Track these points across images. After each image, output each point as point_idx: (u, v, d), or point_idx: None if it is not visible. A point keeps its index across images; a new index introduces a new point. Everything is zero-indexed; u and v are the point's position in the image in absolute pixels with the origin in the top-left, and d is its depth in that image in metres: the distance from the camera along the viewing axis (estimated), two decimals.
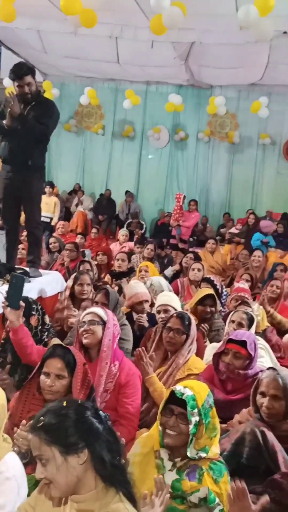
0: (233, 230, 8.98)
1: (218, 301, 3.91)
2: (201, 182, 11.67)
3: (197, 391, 1.85)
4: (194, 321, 3.09)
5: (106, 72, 10.44)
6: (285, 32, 7.15)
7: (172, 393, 1.87)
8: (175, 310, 3.30)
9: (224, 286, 4.77)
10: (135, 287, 3.94)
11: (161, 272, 5.88)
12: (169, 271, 5.97)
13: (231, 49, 7.83)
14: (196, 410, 1.82)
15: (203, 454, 1.84)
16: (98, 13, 5.67)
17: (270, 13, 5.07)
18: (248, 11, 4.59)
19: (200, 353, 3.33)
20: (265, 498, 1.76)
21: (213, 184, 11.62)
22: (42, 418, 1.44)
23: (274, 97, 10.54)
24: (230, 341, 2.63)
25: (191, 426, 1.80)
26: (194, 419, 1.80)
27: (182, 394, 1.84)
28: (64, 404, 1.50)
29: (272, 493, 1.76)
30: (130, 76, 10.54)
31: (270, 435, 2.03)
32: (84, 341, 2.66)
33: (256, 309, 3.70)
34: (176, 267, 6.12)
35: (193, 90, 11.08)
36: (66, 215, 10.77)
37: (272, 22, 4.91)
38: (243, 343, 2.60)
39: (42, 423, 1.43)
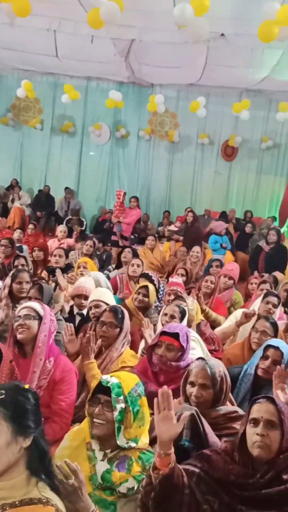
0: (172, 227, 9.10)
1: (155, 295, 3.95)
2: (142, 180, 11.77)
3: (124, 379, 1.86)
4: (127, 315, 3.10)
5: (45, 66, 10.25)
6: (222, 34, 7.37)
7: (100, 383, 1.86)
8: (107, 304, 3.30)
9: (161, 282, 4.82)
10: (83, 281, 3.92)
11: (100, 268, 5.86)
12: None
13: (171, 49, 7.92)
14: (121, 397, 1.82)
15: (133, 444, 1.84)
16: (35, 4, 5.53)
17: (207, 13, 5.17)
18: (184, 9, 4.65)
19: (136, 346, 3.35)
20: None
21: (154, 182, 11.76)
22: (2, 391, 1.45)
23: (213, 98, 10.82)
24: (163, 333, 2.66)
25: (116, 413, 1.80)
26: (120, 406, 1.80)
27: (108, 382, 1.84)
28: (26, 387, 1.54)
29: (200, 464, 1.80)
30: (70, 70, 10.43)
31: (203, 418, 2.09)
32: (19, 336, 2.59)
33: (191, 303, 3.75)
34: None
35: (134, 88, 11.15)
36: (3, 211, 10.47)
37: (208, 23, 5.00)
38: (175, 335, 2.63)
39: (3, 396, 1.44)
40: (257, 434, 1.70)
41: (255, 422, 1.75)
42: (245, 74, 9.31)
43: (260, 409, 1.76)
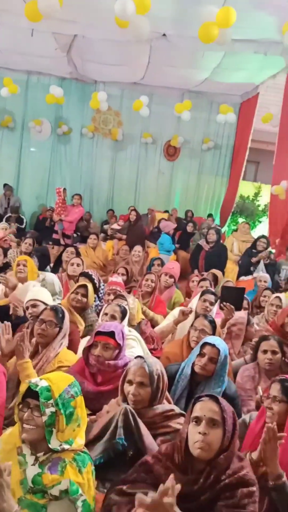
0: (115, 226, 9.08)
1: (93, 295, 3.91)
2: (85, 178, 11.65)
3: (54, 382, 1.81)
4: (68, 315, 3.04)
5: None
6: (164, 35, 7.43)
7: (29, 386, 1.81)
8: (45, 303, 3.22)
9: (102, 281, 4.78)
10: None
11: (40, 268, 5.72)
12: None
13: (114, 46, 7.89)
14: (51, 401, 1.77)
15: (66, 446, 1.80)
16: None
17: (148, 13, 5.18)
18: (125, 6, 4.62)
19: (74, 346, 3.29)
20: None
21: (97, 180, 11.68)
22: None
23: (156, 98, 10.90)
24: (98, 333, 2.63)
25: (45, 418, 1.75)
26: (49, 410, 1.75)
27: (36, 385, 1.79)
28: None
29: (145, 476, 1.78)
30: (10, 63, 10.11)
31: (138, 418, 2.08)
32: None
33: (132, 302, 3.75)
34: None
35: (77, 84, 11.00)
36: None
37: (149, 22, 5.01)
38: (111, 334, 2.61)
39: None
40: (199, 432, 1.71)
41: (198, 420, 1.75)
42: (187, 75, 9.45)
43: (202, 407, 1.77)
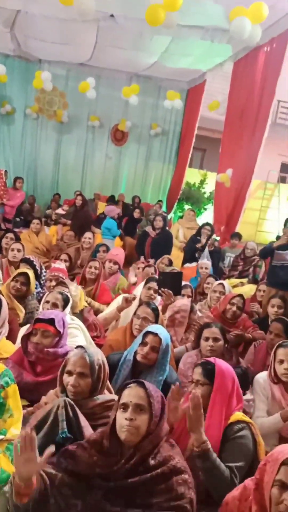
0: (59, 211, 8.87)
1: (34, 282, 3.78)
2: (29, 160, 11.29)
3: None
4: (5, 303, 2.92)
5: None
6: (112, 15, 7.26)
7: None
8: None
9: (44, 267, 4.65)
10: None
11: None
12: None
13: (58, 24, 7.62)
14: None
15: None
16: None
17: None
18: None
19: (13, 336, 3.18)
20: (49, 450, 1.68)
21: (41, 163, 11.36)
22: None
23: (103, 80, 10.70)
24: (38, 320, 2.55)
25: None
26: None
27: None
28: None
29: (64, 463, 1.75)
30: None
31: (77, 409, 2.03)
32: None
33: (74, 290, 3.67)
34: None
35: (21, 63, 10.57)
36: None
37: (96, 1, 4.85)
38: (51, 321, 2.54)
39: None
40: (126, 418, 1.71)
41: (125, 407, 1.75)
42: (135, 58, 9.33)
43: (130, 393, 1.78)
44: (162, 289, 3.75)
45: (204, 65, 9.54)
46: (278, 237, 4.93)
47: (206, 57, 8.84)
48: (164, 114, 11.41)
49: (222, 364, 2.33)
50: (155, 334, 2.62)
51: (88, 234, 6.17)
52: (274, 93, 7.31)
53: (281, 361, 2.84)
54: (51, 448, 1.62)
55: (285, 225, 4.84)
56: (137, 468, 1.67)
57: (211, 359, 2.36)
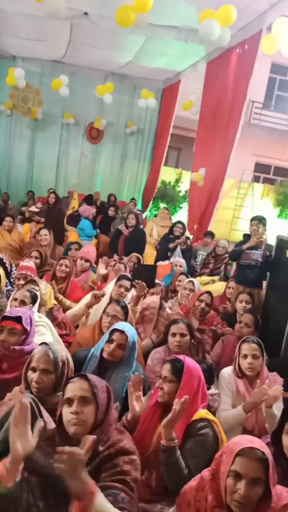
0: (33, 208, 8.82)
1: (5, 280, 3.78)
2: (2, 157, 11.17)
3: None
4: None
5: None
6: (86, 13, 7.24)
7: None
8: None
9: (15, 265, 4.63)
10: None
11: None
12: None
13: (32, 20, 7.55)
14: None
15: None
16: None
17: None
18: None
19: None
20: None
21: (15, 160, 11.25)
22: None
23: (78, 78, 10.67)
24: (5, 318, 2.56)
25: None
26: None
27: None
28: None
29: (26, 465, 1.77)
30: None
31: (41, 406, 2.05)
32: None
33: (44, 288, 3.68)
34: None
35: None
36: None
37: None
38: (18, 319, 2.55)
39: None
40: (71, 412, 1.73)
41: (69, 401, 1.77)
42: (109, 56, 9.33)
43: (73, 387, 1.79)
44: (136, 280, 3.81)
45: (178, 65, 9.60)
46: (245, 235, 5.03)
47: (181, 57, 8.91)
48: (139, 112, 11.45)
49: (190, 362, 2.38)
50: (122, 332, 2.66)
51: (43, 231, 5.93)
52: (246, 94, 7.42)
53: (245, 356, 2.93)
54: (40, 423, 1.62)
55: (250, 222, 4.95)
56: (93, 459, 1.69)
57: (181, 357, 2.41)
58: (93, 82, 10.41)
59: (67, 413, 1.75)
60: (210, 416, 2.33)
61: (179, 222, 7.09)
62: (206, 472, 1.79)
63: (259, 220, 4.88)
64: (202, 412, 2.30)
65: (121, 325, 2.75)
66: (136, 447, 2.20)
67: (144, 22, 4.71)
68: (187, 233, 8.56)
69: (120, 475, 1.65)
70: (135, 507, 1.61)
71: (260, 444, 1.68)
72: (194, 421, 2.23)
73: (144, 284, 3.86)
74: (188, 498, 1.76)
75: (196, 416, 2.26)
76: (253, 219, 4.99)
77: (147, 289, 3.93)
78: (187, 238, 7.19)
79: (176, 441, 2.04)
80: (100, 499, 1.46)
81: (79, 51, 9.15)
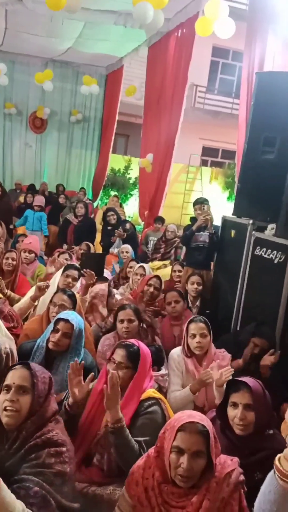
0: None
1: None
2: None
3: None
4: None
5: None
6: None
7: None
8: None
9: None
10: None
11: None
12: None
13: None
14: None
15: None
16: None
17: None
18: None
19: None
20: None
21: None
22: None
23: (18, 66, 10.40)
24: None
25: None
26: None
27: None
28: None
29: None
30: None
31: None
32: None
33: None
34: None
35: None
36: None
37: None
38: None
39: None
40: (7, 400, 1.72)
41: (8, 388, 1.76)
42: (48, 43, 9.14)
43: (13, 375, 1.78)
44: (85, 269, 3.78)
45: (120, 50, 9.53)
46: (191, 218, 5.10)
47: (122, 42, 8.84)
48: (84, 100, 11.30)
49: (144, 348, 2.40)
50: (66, 321, 2.64)
51: None
52: (187, 77, 7.47)
53: (193, 335, 2.99)
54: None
55: (193, 206, 5.02)
56: (20, 449, 1.66)
57: (134, 342, 2.42)
58: (34, 70, 10.21)
59: (2, 400, 1.73)
60: (157, 394, 2.37)
61: (109, 209, 7.05)
62: (151, 450, 1.82)
63: (201, 203, 4.96)
64: (150, 391, 2.33)
65: (66, 314, 2.73)
66: (86, 431, 2.24)
67: (76, 5, 4.62)
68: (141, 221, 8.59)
69: (41, 467, 1.62)
70: (50, 502, 1.56)
71: (200, 418, 1.73)
72: (142, 401, 2.26)
73: (92, 273, 3.84)
74: (136, 477, 1.78)
75: (144, 395, 2.29)
76: (195, 203, 5.06)
77: (95, 277, 3.91)
78: (127, 222, 7.16)
79: (123, 421, 2.05)
80: (2, 493, 1.41)
81: (17, 38, 8.91)
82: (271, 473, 1.46)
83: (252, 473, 2.08)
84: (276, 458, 1.46)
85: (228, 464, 1.77)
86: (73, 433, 2.13)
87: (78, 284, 3.96)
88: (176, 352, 3.11)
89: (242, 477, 1.75)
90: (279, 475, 1.42)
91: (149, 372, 2.40)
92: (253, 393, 2.13)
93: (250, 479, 2.02)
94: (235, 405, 2.15)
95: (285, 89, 3.93)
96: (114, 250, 6.17)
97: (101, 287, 3.78)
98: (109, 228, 6.75)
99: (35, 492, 1.55)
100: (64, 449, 1.69)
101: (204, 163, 14.79)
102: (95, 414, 2.31)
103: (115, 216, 6.79)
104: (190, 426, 1.68)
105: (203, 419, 1.73)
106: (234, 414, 2.13)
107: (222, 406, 2.22)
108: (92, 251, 5.49)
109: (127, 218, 8.69)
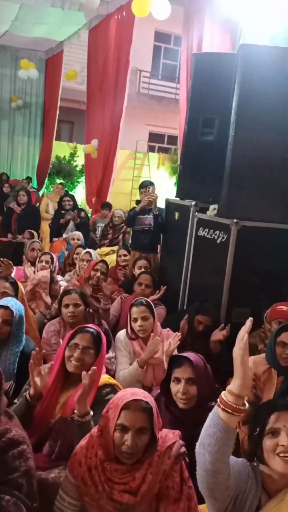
0: None
1: None
2: None
3: None
4: None
5: None
6: None
7: None
8: None
9: None
10: None
11: None
12: None
13: None
14: None
15: None
16: None
17: None
18: None
19: None
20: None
21: None
22: None
23: None
24: None
25: None
26: None
27: None
28: None
29: None
30: None
31: None
32: None
33: None
34: None
35: None
36: None
37: None
38: None
39: None
40: None
41: None
42: None
43: None
44: (1, 259, 3.70)
45: (59, 34, 9.31)
46: (137, 202, 5.10)
47: (60, 25, 8.64)
48: (24, 86, 10.99)
49: (101, 331, 2.38)
50: (6, 307, 2.58)
51: None
52: (129, 61, 7.41)
53: (135, 319, 3.01)
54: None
55: (139, 189, 5.02)
56: None
57: (92, 326, 2.40)
58: None
59: None
60: (112, 380, 2.37)
61: (66, 194, 6.97)
62: (94, 430, 1.81)
63: (145, 187, 4.97)
64: (106, 378, 2.32)
65: (4, 300, 2.67)
66: (40, 420, 2.20)
67: None
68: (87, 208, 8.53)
69: (8, 474, 1.57)
70: (21, 507, 1.53)
71: (143, 395, 1.74)
72: (99, 387, 2.23)
73: (10, 262, 3.75)
74: (79, 458, 1.77)
75: (100, 382, 2.27)
76: (140, 186, 5.06)
77: (13, 268, 3.82)
78: (82, 210, 7.12)
79: (90, 415, 2.02)
80: None
81: None
82: (214, 408, 1.48)
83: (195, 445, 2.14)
84: (223, 392, 1.48)
85: (169, 437, 1.79)
86: (29, 423, 2.09)
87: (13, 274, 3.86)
88: (122, 334, 3.12)
89: (183, 449, 1.78)
90: (221, 405, 1.44)
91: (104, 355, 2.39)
92: (195, 367, 2.17)
93: (194, 451, 2.08)
94: (177, 380, 2.18)
95: (222, 70, 3.96)
96: (66, 234, 6.07)
97: (44, 274, 3.71)
98: (63, 212, 6.64)
99: (7, 501, 1.50)
100: (25, 446, 1.64)
101: (151, 149, 14.78)
102: (50, 401, 2.27)
103: (71, 202, 6.71)
104: (134, 403, 1.69)
105: (146, 396, 1.74)
106: (177, 389, 2.17)
107: (165, 382, 2.24)
108: (35, 239, 5.38)
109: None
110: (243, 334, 1.48)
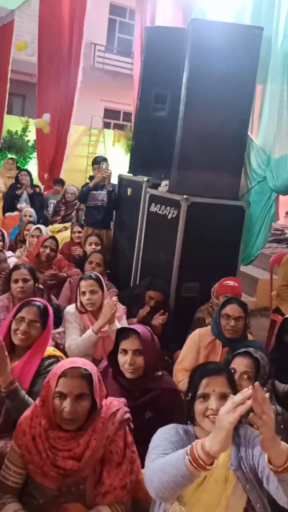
0: None
1: None
2: None
3: None
4: None
5: None
6: None
7: None
8: None
9: None
10: None
11: None
12: None
13: None
14: None
15: None
16: None
17: None
18: None
19: None
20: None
21: None
22: None
23: None
24: None
25: None
26: None
27: None
28: None
29: None
30: None
31: None
32: None
33: None
34: None
35: None
36: None
37: None
38: None
39: None
40: None
41: None
42: None
43: None
44: None
45: (9, 2, 8.90)
46: (91, 177, 5.05)
47: None
48: None
49: (47, 304, 2.39)
50: None
51: None
52: (83, 34, 7.24)
53: (84, 293, 3.01)
54: None
55: (92, 166, 4.98)
56: None
57: (39, 299, 2.39)
58: None
59: None
60: (57, 352, 2.38)
61: (23, 169, 6.85)
62: (37, 400, 1.83)
63: (99, 163, 4.92)
64: (50, 349, 2.33)
65: None
66: None
67: None
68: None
69: None
70: None
71: (82, 362, 1.77)
72: (43, 359, 2.24)
73: None
74: (23, 427, 1.78)
75: (45, 353, 2.27)
76: (93, 162, 5.02)
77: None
78: (36, 186, 6.99)
79: (15, 383, 2.02)
80: None
81: None
82: (182, 452, 1.40)
83: (143, 413, 2.20)
84: (194, 442, 1.39)
85: (114, 404, 1.83)
86: None
87: None
88: (72, 307, 3.12)
89: (127, 415, 1.83)
90: (190, 456, 1.36)
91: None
92: (142, 338, 2.21)
93: (141, 419, 2.15)
94: (125, 351, 2.22)
95: (174, 44, 3.93)
96: (20, 204, 5.97)
97: None
98: (18, 186, 6.55)
99: None
100: None
101: (106, 125, 14.57)
102: None
103: (27, 178, 6.59)
104: (72, 371, 1.71)
105: (86, 364, 1.77)
106: (124, 360, 2.21)
107: (113, 354, 2.28)
108: None
109: None
110: (241, 409, 1.31)
